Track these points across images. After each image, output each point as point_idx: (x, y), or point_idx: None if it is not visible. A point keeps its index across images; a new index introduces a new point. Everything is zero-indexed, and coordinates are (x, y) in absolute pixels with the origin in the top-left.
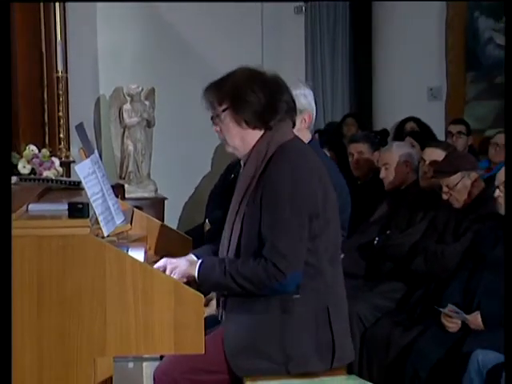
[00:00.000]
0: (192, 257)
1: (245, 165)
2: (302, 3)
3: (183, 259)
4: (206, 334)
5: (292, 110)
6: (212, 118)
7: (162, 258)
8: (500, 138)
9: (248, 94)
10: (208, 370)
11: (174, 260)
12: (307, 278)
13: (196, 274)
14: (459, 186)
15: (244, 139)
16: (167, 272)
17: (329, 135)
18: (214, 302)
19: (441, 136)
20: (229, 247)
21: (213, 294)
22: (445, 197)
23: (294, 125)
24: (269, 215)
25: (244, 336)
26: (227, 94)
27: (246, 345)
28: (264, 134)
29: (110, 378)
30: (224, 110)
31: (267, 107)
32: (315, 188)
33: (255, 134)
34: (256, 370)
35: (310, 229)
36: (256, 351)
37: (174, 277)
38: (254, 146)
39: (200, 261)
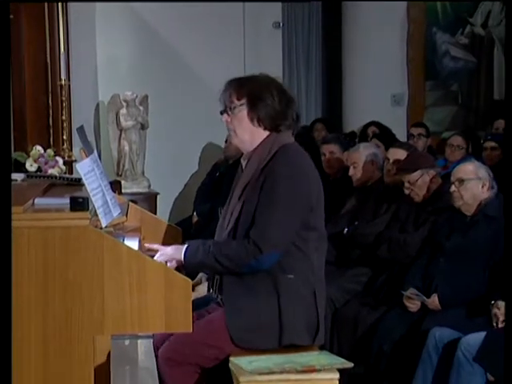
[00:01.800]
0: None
1: (248, 160)
2: (280, 19)
3: (172, 248)
4: (192, 316)
5: (297, 120)
6: (224, 110)
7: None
8: (455, 140)
9: (267, 95)
10: (212, 345)
11: (163, 247)
12: (297, 260)
13: (182, 256)
14: (419, 182)
15: (253, 135)
16: (156, 257)
17: (303, 138)
18: (200, 287)
19: (403, 138)
20: (226, 231)
21: (200, 279)
22: (406, 192)
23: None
24: (265, 202)
25: (245, 314)
26: (248, 91)
27: (246, 320)
28: (269, 135)
29: (108, 354)
30: (242, 105)
31: (280, 112)
32: (311, 184)
33: (263, 134)
34: (254, 342)
35: (305, 220)
36: (255, 325)
37: (160, 259)
38: (258, 145)
39: (186, 245)
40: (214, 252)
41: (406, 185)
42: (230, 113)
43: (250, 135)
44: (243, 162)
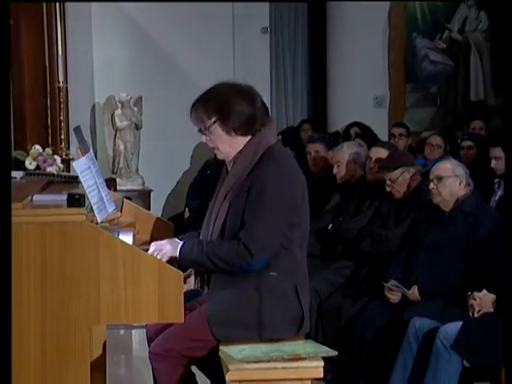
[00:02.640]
0: (176, 240)
1: (234, 163)
2: (267, 25)
3: (168, 243)
4: (184, 307)
5: (266, 111)
6: (200, 131)
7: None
8: (433, 139)
9: (233, 105)
10: (195, 338)
11: (160, 243)
12: (282, 259)
13: (178, 254)
14: (400, 180)
15: (234, 145)
16: (152, 252)
17: (290, 137)
18: (191, 279)
19: (384, 137)
20: (213, 229)
21: (190, 272)
22: (388, 189)
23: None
24: (253, 205)
25: (225, 308)
26: (214, 108)
27: (227, 315)
28: (251, 138)
29: (104, 343)
30: (214, 123)
31: (251, 115)
32: (296, 186)
33: (242, 140)
34: (234, 336)
35: (290, 220)
36: (235, 320)
37: (158, 257)
38: (242, 149)
39: (182, 242)
40: (207, 252)
41: (388, 182)
42: (206, 132)
43: (231, 146)
44: (228, 165)
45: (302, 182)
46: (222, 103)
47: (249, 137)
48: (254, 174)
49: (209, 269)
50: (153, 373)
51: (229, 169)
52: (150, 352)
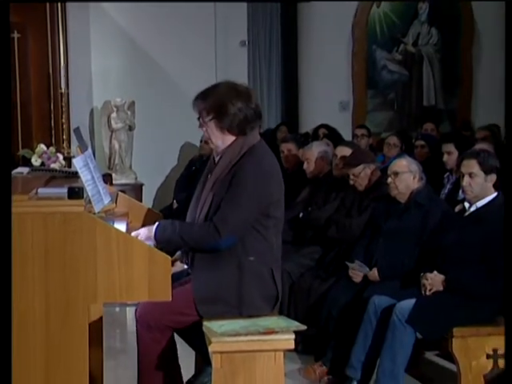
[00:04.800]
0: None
1: (221, 157)
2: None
3: (144, 228)
4: (172, 287)
5: (259, 115)
6: (198, 119)
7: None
8: (391, 139)
9: (229, 108)
10: (181, 312)
11: (138, 230)
12: (256, 243)
13: (153, 235)
14: (362, 174)
15: (224, 140)
16: (133, 234)
17: (267, 137)
18: (178, 263)
19: (348, 137)
20: (199, 215)
21: (178, 256)
22: (351, 182)
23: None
24: (230, 193)
25: (209, 287)
26: (213, 108)
27: (210, 294)
28: (238, 138)
29: (101, 319)
30: (211, 119)
31: (244, 119)
32: (274, 181)
33: (233, 138)
34: (216, 313)
35: (266, 211)
36: (218, 298)
37: (139, 238)
38: (230, 145)
39: (157, 224)
40: (180, 231)
41: (351, 177)
42: (203, 124)
43: (222, 141)
44: (216, 157)
45: (278, 177)
46: (220, 104)
47: (239, 136)
48: (236, 167)
49: (181, 247)
50: (137, 341)
51: (215, 161)
52: (137, 319)
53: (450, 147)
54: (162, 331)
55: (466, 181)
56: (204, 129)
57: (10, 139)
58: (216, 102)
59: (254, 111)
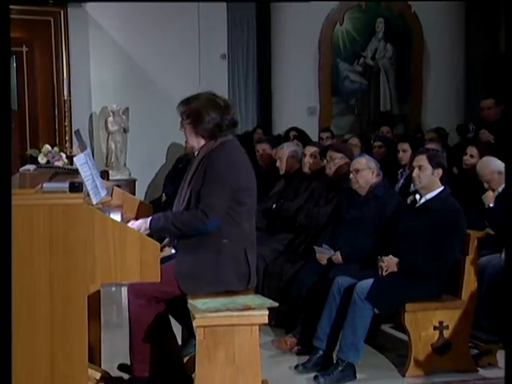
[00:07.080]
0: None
1: (198, 154)
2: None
3: (140, 220)
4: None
5: (233, 125)
6: (181, 122)
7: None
8: (353, 140)
9: (205, 117)
10: (164, 284)
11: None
12: (231, 228)
13: (148, 225)
14: (336, 161)
15: (198, 142)
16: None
17: (244, 139)
18: (166, 249)
19: (316, 139)
20: (182, 205)
21: (166, 243)
22: (324, 162)
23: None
24: (207, 181)
25: (189, 268)
26: (191, 114)
27: (190, 273)
28: (210, 141)
29: (99, 297)
30: (188, 123)
31: (216, 127)
32: (241, 171)
33: (205, 141)
34: (196, 290)
35: (237, 198)
36: (197, 277)
37: (132, 226)
38: (204, 145)
39: (151, 217)
40: (172, 219)
41: (327, 157)
42: (183, 125)
43: (196, 143)
44: (196, 156)
45: (248, 168)
46: (198, 112)
47: (211, 141)
48: (208, 160)
49: (173, 233)
50: (128, 307)
51: (194, 158)
52: (128, 289)
53: (405, 146)
54: (148, 300)
55: (415, 172)
56: (183, 129)
57: (9, 139)
58: (194, 110)
59: (228, 121)
